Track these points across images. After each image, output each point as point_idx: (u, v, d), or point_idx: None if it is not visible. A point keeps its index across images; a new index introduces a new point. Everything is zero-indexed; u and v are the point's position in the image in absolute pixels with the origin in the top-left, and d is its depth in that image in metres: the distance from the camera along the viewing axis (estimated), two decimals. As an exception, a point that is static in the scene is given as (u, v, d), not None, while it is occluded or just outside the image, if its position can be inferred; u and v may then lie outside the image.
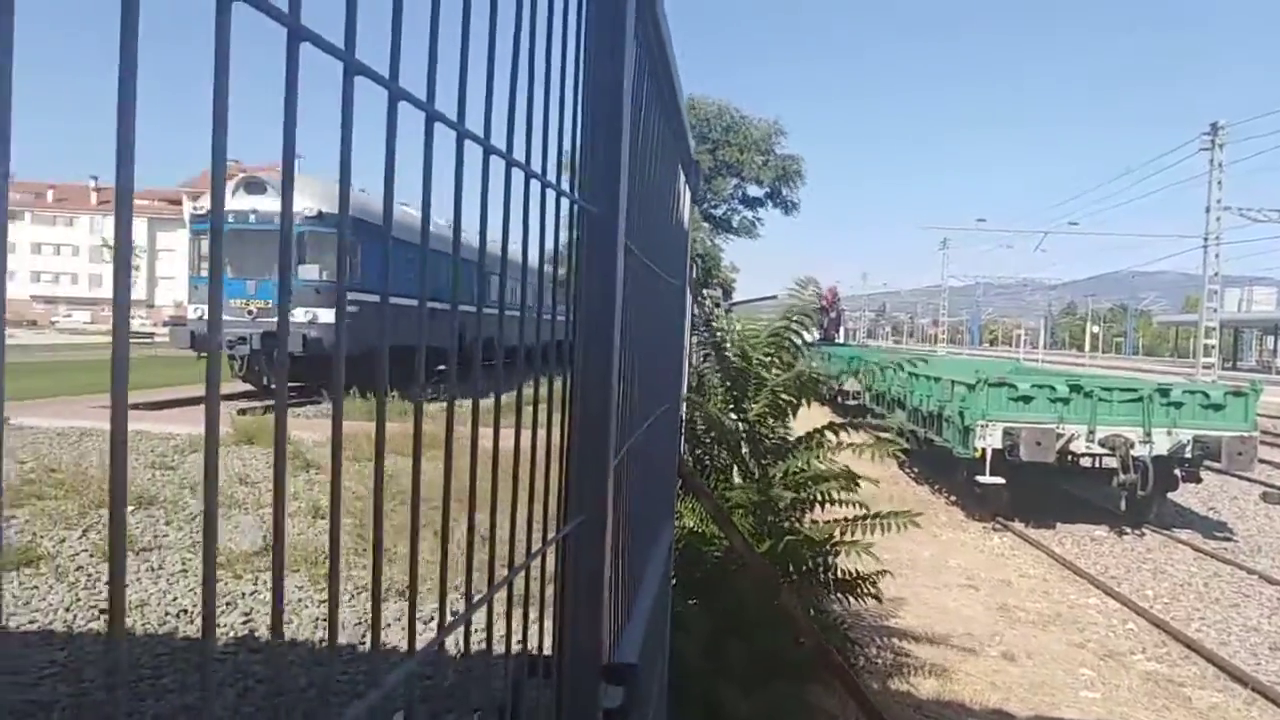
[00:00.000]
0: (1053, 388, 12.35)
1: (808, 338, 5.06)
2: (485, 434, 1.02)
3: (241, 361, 18.36)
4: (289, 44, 0.56)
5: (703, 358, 5.49)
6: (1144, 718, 6.46)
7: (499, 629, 1.09)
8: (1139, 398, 12.24)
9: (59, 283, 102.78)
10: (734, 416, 4.65)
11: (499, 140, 0.87)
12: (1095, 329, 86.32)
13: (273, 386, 18.73)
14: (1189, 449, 12.12)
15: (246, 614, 6.09)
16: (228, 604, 6.23)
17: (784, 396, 4.64)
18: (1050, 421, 11.99)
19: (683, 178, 2.73)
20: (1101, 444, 12.07)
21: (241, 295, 17.77)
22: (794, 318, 4.82)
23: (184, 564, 7.05)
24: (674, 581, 3.45)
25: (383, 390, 0.74)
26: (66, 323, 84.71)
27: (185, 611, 6.10)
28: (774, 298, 6.37)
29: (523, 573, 0.97)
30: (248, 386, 18.98)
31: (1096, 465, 12.35)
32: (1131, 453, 11.96)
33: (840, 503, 5.08)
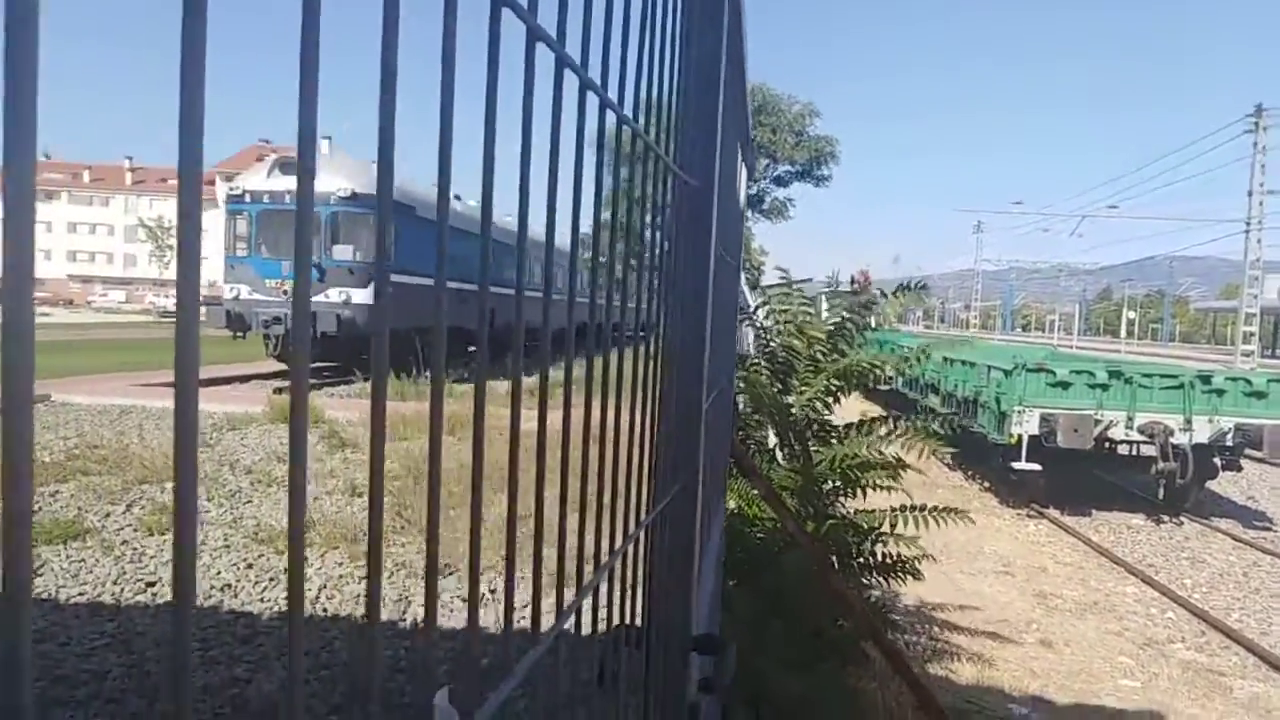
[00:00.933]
0: (1091, 373, 12.21)
1: (871, 323, 5.04)
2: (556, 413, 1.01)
3: (276, 341, 18.52)
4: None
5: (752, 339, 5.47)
6: (1185, 707, 6.40)
7: (587, 604, 1.10)
8: (1179, 384, 12.07)
9: (94, 262, 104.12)
10: (784, 400, 4.64)
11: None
12: (1131, 315, 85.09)
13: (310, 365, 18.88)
14: (1230, 437, 11.94)
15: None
16: (271, 580, 6.32)
17: (835, 382, 4.62)
18: (1088, 407, 11.86)
19: (739, 155, 2.72)
20: (1140, 431, 11.93)
21: (277, 275, 17.91)
22: (857, 308, 4.82)
23: (226, 539, 7.14)
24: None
25: (482, 372, 0.71)
26: (102, 302, 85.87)
27: (229, 586, 6.18)
28: (809, 281, 6.33)
29: (626, 546, 0.97)
30: (281, 366, 19.17)
31: (1134, 452, 12.20)
32: (1171, 440, 11.80)
33: (883, 489, 5.06)
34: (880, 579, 5.06)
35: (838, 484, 4.64)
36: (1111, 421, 11.93)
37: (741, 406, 4.90)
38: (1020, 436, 11.86)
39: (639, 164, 0.92)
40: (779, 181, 29.94)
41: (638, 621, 1.11)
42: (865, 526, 4.70)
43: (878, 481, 4.70)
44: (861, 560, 4.87)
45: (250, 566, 6.55)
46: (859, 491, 4.88)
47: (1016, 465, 11.98)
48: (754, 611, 4.02)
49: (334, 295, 17.40)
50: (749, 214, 29.04)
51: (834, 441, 4.84)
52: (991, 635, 7.18)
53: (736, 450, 3.64)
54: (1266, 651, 7.61)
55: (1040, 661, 6.90)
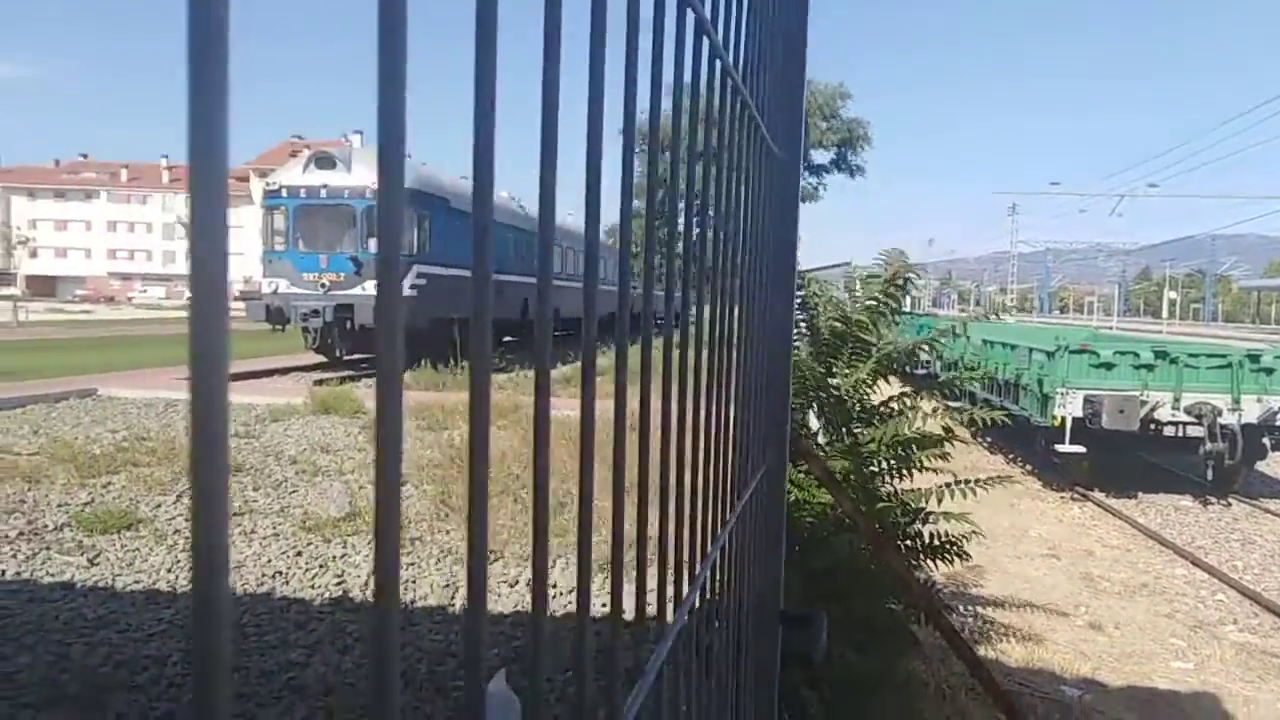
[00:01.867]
0: (1136, 354, 12.01)
1: (905, 305, 5.00)
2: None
3: (315, 334, 18.69)
4: None
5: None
6: (1239, 689, 6.30)
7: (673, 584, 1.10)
8: (1227, 364, 11.84)
9: (134, 259, 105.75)
10: (830, 383, 4.62)
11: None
12: (1173, 295, 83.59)
13: (344, 358, 19.09)
14: (1280, 417, 11.72)
15: (339, 576, 6.26)
16: (320, 566, 6.40)
17: (885, 364, 4.59)
18: (1134, 389, 11.67)
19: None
20: (1188, 412, 11.73)
21: (314, 269, 18.07)
22: (897, 281, 4.77)
23: (274, 528, 7.25)
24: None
25: (624, 364, 0.68)
26: (142, 298, 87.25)
27: (280, 573, 6.28)
28: (848, 264, 6.28)
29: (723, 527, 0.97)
30: (320, 358, 19.35)
31: (1180, 434, 11.99)
32: (1219, 421, 11.59)
33: (929, 469, 5.02)
34: (929, 561, 5.03)
35: (890, 463, 4.61)
36: (1158, 403, 11.73)
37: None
38: (1064, 419, 11.71)
39: (737, 132, 0.91)
40: (811, 169, 29.65)
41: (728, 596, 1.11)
42: (913, 506, 4.67)
43: (931, 458, 4.67)
44: (909, 542, 4.84)
45: (300, 554, 6.65)
46: (909, 472, 4.84)
47: (1060, 448, 11.83)
48: (804, 595, 4.01)
49: (371, 288, 17.52)
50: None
51: (876, 422, 4.81)
52: (1040, 617, 7.11)
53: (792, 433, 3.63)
54: (1322, 634, 7.48)
55: (1090, 644, 6.82)
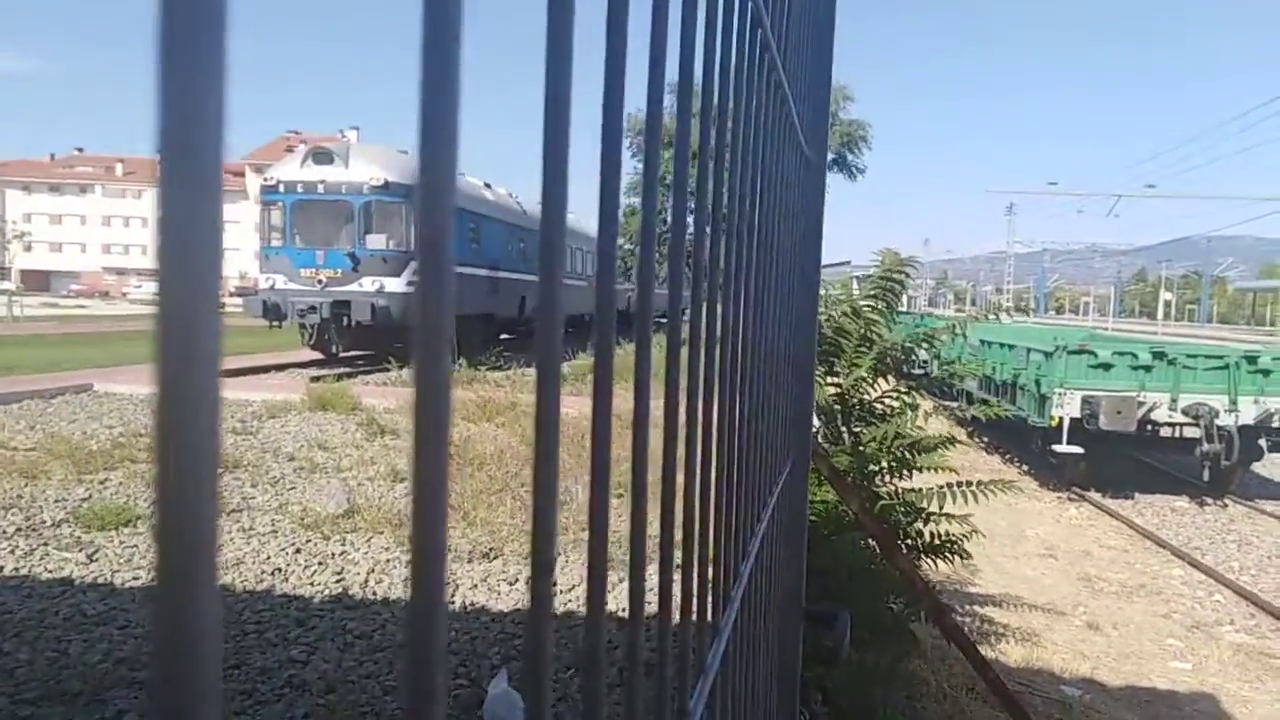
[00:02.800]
0: (1134, 355, 12.05)
1: (900, 305, 5.00)
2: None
3: (311, 330, 18.63)
4: None
5: None
6: (1237, 689, 6.32)
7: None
8: (1224, 365, 11.88)
9: (129, 254, 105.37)
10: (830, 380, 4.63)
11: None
12: (1168, 296, 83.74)
13: (341, 354, 19.03)
14: (1276, 418, 11.75)
15: (338, 573, 6.24)
16: (320, 564, 6.39)
17: (883, 363, 4.60)
18: (1131, 389, 11.71)
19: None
20: (1185, 412, 11.77)
21: (311, 265, 18.01)
22: (890, 280, 4.77)
23: (273, 525, 7.23)
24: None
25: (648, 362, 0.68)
26: (137, 294, 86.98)
27: (279, 570, 6.26)
28: (847, 263, 6.30)
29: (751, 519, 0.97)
30: (317, 355, 19.30)
31: (1177, 435, 12.04)
32: (1216, 422, 11.63)
33: (928, 469, 5.03)
34: (929, 560, 5.04)
35: (891, 464, 4.61)
36: (1155, 403, 11.77)
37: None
38: (1061, 419, 11.74)
39: (772, 133, 0.91)
40: (811, 168, 29.56)
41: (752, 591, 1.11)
42: (914, 506, 4.68)
43: (931, 462, 4.68)
44: (910, 541, 4.85)
45: (299, 551, 6.63)
46: (909, 472, 4.85)
47: (1057, 448, 11.87)
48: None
49: (368, 284, 17.48)
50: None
51: (875, 422, 4.81)
52: (1038, 617, 7.13)
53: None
54: (1319, 634, 7.51)
55: (1088, 644, 6.84)
